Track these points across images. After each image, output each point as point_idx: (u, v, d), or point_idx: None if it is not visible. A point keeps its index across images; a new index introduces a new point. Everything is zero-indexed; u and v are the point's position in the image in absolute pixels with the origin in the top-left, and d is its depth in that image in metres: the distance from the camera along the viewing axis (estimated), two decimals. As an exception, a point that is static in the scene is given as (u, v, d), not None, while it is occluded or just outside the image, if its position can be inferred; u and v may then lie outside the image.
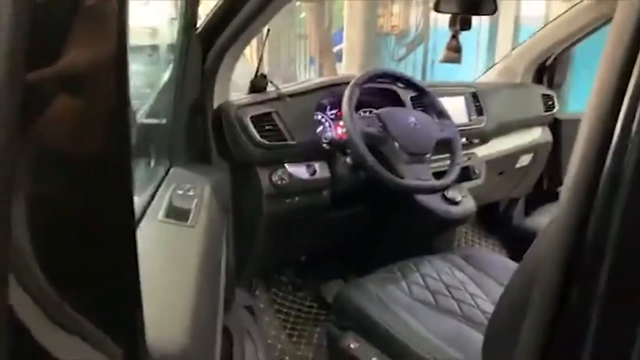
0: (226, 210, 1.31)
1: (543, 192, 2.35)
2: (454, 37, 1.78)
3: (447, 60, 1.86)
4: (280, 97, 1.33)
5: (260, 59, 1.32)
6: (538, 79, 2.22)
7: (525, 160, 2.09)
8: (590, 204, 0.43)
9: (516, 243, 2.29)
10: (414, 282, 1.24)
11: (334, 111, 1.52)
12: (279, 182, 1.28)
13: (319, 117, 1.49)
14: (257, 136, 1.25)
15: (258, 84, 1.34)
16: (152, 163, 1.07)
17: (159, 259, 0.74)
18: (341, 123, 1.44)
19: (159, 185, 0.97)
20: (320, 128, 1.48)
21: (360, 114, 1.57)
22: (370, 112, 1.58)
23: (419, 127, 1.30)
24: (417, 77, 5.77)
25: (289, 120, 1.31)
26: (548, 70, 2.23)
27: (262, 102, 1.30)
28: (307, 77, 6.07)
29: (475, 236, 2.28)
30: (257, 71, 1.34)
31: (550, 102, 2.10)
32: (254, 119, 1.26)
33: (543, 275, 0.48)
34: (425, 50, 5.63)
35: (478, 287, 1.25)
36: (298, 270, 1.90)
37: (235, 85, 1.40)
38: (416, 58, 5.75)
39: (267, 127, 1.27)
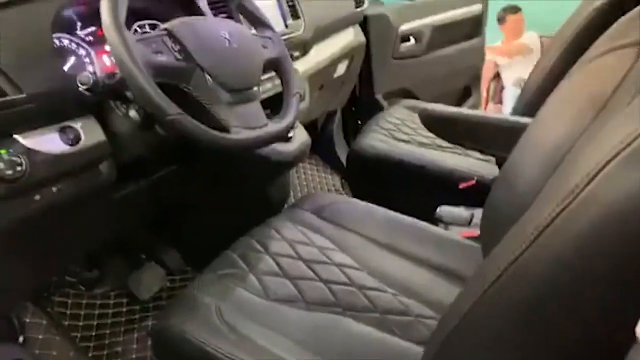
0: None
1: (357, 101, 2.18)
2: None
3: None
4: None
5: None
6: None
7: (342, 68, 1.83)
8: None
9: (340, 162, 2.13)
10: (265, 271, 0.89)
11: (90, 29, 0.94)
12: (10, 172, 0.72)
13: (65, 42, 0.90)
14: None
15: None
16: None
17: None
18: (107, 48, 0.90)
19: None
20: (71, 62, 0.90)
21: (137, 33, 1.02)
22: (154, 27, 1.04)
23: (236, 46, 0.85)
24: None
25: (4, 55, 0.72)
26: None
27: None
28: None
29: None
30: None
31: (359, -3, 1.82)
32: None
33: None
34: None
35: (344, 252, 0.96)
36: (88, 261, 1.37)
37: None
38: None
39: None
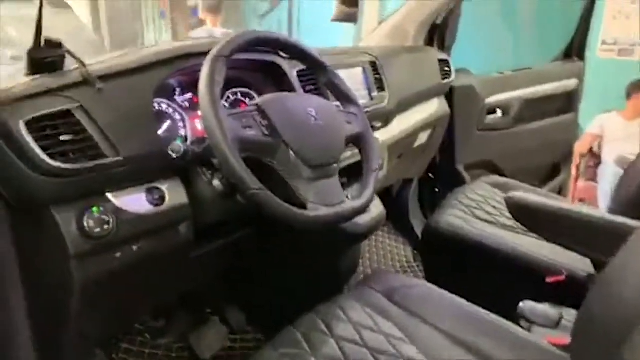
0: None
1: (437, 170, 2.12)
2: (349, -14, 1.36)
3: (340, 18, 1.44)
4: (87, 81, 0.77)
5: (40, 11, 0.74)
6: (429, 40, 1.92)
7: (423, 137, 1.80)
8: None
9: (414, 232, 2.05)
10: (328, 357, 0.84)
11: (187, 96, 1.00)
12: (98, 230, 0.76)
13: (163, 107, 0.96)
14: (41, 155, 0.70)
15: (43, 59, 0.77)
16: None
17: None
18: (200, 113, 0.95)
19: None
20: (165, 126, 0.96)
21: (228, 100, 1.07)
22: (245, 97, 1.09)
23: (322, 122, 0.85)
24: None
25: (107, 118, 0.77)
26: (439, 30, 1.94)
27: (50, 92, 0.74)
28: (158, 37, 5.19)
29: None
30: (38, 34, 0.76)
31: (447, 69, 1.81)
32: (35, 124, 0.70)
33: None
34: (290, 6, 5.12)
35: (412, 344, 0.89)
36: (155, 309, 1.39)
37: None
38: (281, 14, 5.22)
39: (63, 137, 0.72)
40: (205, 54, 0.82)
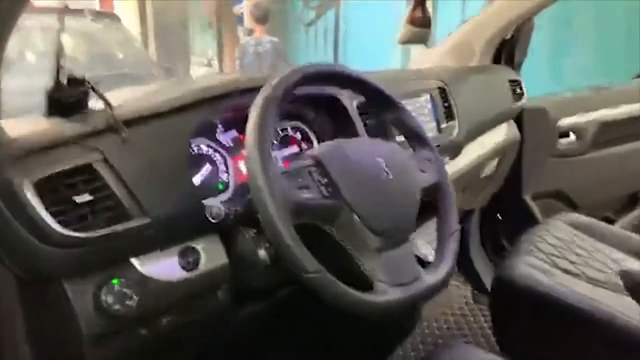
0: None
1: (499, 200, 1.91)
2: (419, 4, 1.19)
3: (408, 39, 1.27)
4: (112, 127, 0.64)
5: (59, 47, 0.62)
6: (496, 58, 1.72)
7: (491, 166, 1.60)
8: None
9: (474, 269, 1.85)
10: None
11: (231, 134, 0.86)
12: (118, 307, 0.62)
13: (202, 148, 0.82)
14: (51, 224, 0.57)
15: (64, 99, 0.65)
16: None
17: None
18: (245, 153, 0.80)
19: None
20: (204, 171, 0.82)
21: (278, 135, 0.92)
22: (296, 132, 0.94)
23: (393, 176, 0.69)
24: (329, 51, 5.15)
25: (134, 171, 0.64)
26: (508, 46, 1.73)
27: (67, 145, 0.61)
28: (204, 47, 5.18)
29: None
30: (58, 71, 0.63)
31: (519, 90, 1.61)
32: (46, 184, 0.58)
33: None
34: (336, 15, 4.98)
35: None
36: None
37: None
38: (327, 23, 5.09)
39: (80, 198, 0.59)
40: (254, 90, 0.68)
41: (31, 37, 3.37)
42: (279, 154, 0.92)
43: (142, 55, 4.20)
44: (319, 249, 0.62)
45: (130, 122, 0.66)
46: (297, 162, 0.67)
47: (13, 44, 0.55)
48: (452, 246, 0.75)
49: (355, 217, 0.64)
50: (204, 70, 5.33)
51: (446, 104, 1.18)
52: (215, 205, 0.67)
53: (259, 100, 0.64)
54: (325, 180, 0.64)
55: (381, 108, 0.82)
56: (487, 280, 1.87)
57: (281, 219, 0.57)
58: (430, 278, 0.70)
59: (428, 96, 1.14)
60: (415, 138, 0.82)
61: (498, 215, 1.94)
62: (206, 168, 0.81)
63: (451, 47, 1.64)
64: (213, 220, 0.67)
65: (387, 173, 0.68)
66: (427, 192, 0.78)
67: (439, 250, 0.75)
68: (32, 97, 0.69)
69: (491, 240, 1.94)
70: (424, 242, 1.08)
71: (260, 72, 4.91)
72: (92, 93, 0.67)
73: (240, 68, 4.75)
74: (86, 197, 0.60)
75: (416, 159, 0.79)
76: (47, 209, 0.57)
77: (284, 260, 0.58)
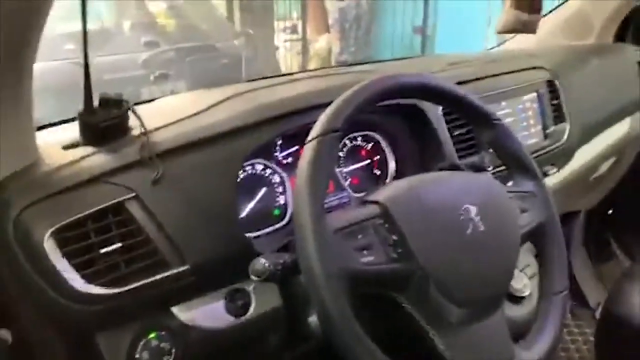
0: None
1: (612, 202, 1.63)
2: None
3: (512, 27, 1.03)
4: (146, 161, 0.55)
5: (87, 68, 0.53)
6: (621, 35, 1.42)
7: (604, 168, 1.34)
8: None
9: (573, 277, 1.61)
10: None
11: (291, 149, 0.74)
12: None
13: (257, 169, 0.72)
14: (73, 280, 0.49)
15: (98, 123, 0.56)
16: None
17: None
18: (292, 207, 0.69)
19: None
20: (257, 199, 0.71)
21: (346, 146, 0.79)
22: (366, 142, 0.80)
23: (485, 228, 0.52)
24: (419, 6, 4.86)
25: (172, 210, 0.55)
26: (636, 20, 1.42)
27: (94, 182, 0.53)
28: (288, 14, 5.06)
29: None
30: (88, 93, 0.55)
31: (649, 75, 1.31)
32: (67, 231, 0.50)
33: None
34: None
35: None
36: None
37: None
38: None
39: (107, 249, 0.51)
40: (322, 106, 0.55)
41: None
42: (345, 170, 0.79)
43: (224, 25, 4.20)
44: (377, 315, 0.49)
45: (169, 152, 0.57)
46: (357, 209, 0.53)
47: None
48: (558, 313, 0.58)
49: (432, 285, 0.50)
50: (288, 37, 5.23)
51: (554, 102, 0.97)
52: (258, 262, 0.56)
53: (312, 142, 0.50)
54: (394, 237, 0.50)
55: (476, 125, 0.65)
56: (588, 291, 1.64)
57: (334, 296, 0.45)
58: (527, 356, 0.54)
59: (534, 95, 0.93)
60: (516, 165, 0.64)
61: (609, 212, 1.66)
62: (260, 192, 0.71)
63: (562, 22, 1.37)
64: (255, 278, 0.56)
65: (476, 224, 0.53)
66: (528, 237, 0.61)
67: (540, 317, 0.59)
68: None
69: (597, 245, 1.68)
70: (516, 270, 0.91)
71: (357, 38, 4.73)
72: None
73: (339, 33, 4.59)
74: (116, 245, 0.52)
75: (516, 194, 0.62)
76: (70, 261, 0.49)
77: (336, 349, 0.46)
